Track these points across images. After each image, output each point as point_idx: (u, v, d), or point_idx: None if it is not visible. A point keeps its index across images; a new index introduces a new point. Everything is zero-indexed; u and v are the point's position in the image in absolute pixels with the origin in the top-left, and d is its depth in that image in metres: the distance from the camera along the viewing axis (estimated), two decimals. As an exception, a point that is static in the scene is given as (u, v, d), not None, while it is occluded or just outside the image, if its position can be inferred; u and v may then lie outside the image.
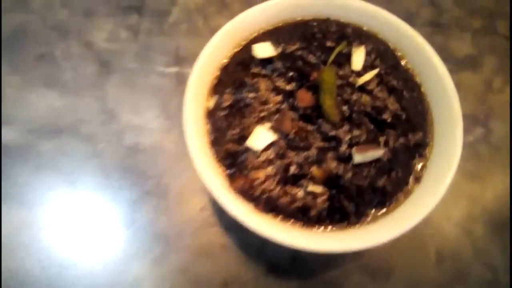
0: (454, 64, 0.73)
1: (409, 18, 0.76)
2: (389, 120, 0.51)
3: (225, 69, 0.53)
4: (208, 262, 0.60)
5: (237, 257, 0.60)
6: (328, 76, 0.49)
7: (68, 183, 0.63)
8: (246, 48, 0.54)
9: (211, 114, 0.51)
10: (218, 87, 0.52)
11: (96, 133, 0.65)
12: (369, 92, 0.52)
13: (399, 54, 0.55)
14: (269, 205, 0.48)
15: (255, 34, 0.55)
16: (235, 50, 0.54)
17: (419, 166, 0.50)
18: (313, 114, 0.50)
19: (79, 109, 0.66)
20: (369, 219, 0.48)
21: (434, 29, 0.75)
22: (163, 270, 0.60)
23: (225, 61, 0.54)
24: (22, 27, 0.71)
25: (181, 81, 0.68)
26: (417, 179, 0.50)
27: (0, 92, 0.66)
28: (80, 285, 0.58)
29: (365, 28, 0.56)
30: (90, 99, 0.67)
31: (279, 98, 0.51)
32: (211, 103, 0.52)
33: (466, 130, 0.71)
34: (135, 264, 0.60)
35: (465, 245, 0.63)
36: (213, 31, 0.51)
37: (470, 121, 0.69)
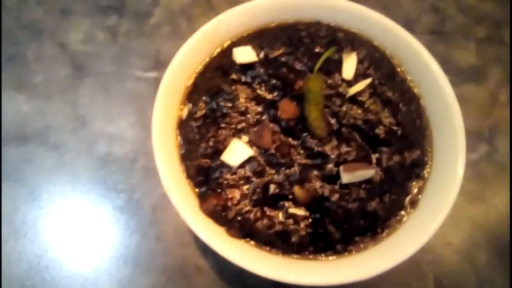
0: (457, 75, 0.67)
1: (409, 24, 0.71)
2: (382, 136, 0.45)
3: (201, 75, 0.48)
4: (181, 286, 0.54)
5: (214, 282, 0.55)
6: (314, 85, 0.44)
7: (32, 196, 0.57)
8: (226, 52, 0.49)
9: (183, 125, 0.46)
10: (193, 95, 0.47)
11: (65, 141, 0.60)
12: (361, 104, 0.46)
13: (396, 62, 0.49)
14: (244, 229, 0.42)
15: (237, 37, 0.50)
16: (214, 54, 0.49)
17: (416, 189, 0.45)
18: (297, 127, 0.45)
19: (49, 115, 0.61)
20: (357, 247, 0.43)
21: (436, 37, 0.70)
22: (132, 294, 0.54)
23: (202, 65, 0.48)
24: (-7, 25, 0.66)
25: (160, 87, 0.62)
26: (413, 203, 0.44)
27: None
28: (38, 309, 0.53)
29: (359, 34, 0.51)
30: (61, 104, 0.62)
31: (259, 108, 0.46)
32: (185, 112, 0.46)
33: (469, 148, 0.65)
34: (101, 287, 0.54)
35: (467, 273, 0.57)
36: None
37: (474, 137, 0.63)
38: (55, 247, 0.55)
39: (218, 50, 0.49)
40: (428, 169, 0.45)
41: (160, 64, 0.64)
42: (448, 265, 0.57)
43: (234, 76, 0.47)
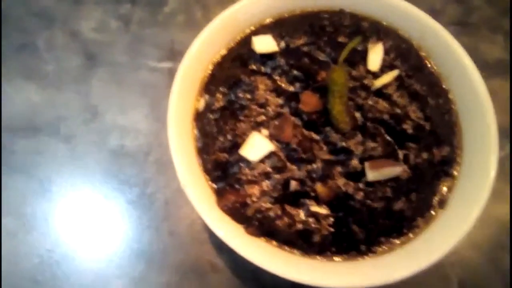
0: (483, 69, 0.63)
1: (433, 16, 0.67)
2: (410, 131, 0.43)
3: (219, 65, 0.46)
4: (195, 284, 0.53)
5: (229, 280, 0.53)
6: (338, 77, 0.41)
7: (43, 189, 0.56)
8: (245, 41, 0.46)
9: (200, 117, 0.44)
10: (210, 86, 0.45)
11: (76, 133, 0.58)
12: (387, 97, 0.44)
13: (423, 54, 0.47)
14: (263, 228, 0.40)
15: (256, 26, 0.47)
16: (232, 43, 0.47)
17: (445, 187, 0.42)
18: (320, 120, 0.42)
19: (60, 105, 0.59)
20: (382, 249, 0.41)
21: (461, 29, 0.67)
22: (144, 291, 0.52)
23: (220, 55, 0.46)
24: (3, 13, 0.64)
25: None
26: (442, 203, 0.42)
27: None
28: (48, 305, 0.52)
29: (384, 23, 0.48)
30: (73, 95, 0.60)
31: (280, 100, 0.43)
32: (201, 103, 0.44)
33: (496, 145, 0.63)
34: (113, 284, 0.52)
35: (492, 276, 0.54)
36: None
37: (500, 134, 0.60)
38: (66, 242, 0.54)
39: (237, 39, 0.47)
40: (458, 168, 0.43)
41: (175, 54, 0.62)
42: (473, 267, 0.55)
43: (253, 67, 0.45)
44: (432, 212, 0.41)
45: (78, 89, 0.60)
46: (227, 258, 0.53)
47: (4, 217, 0.55)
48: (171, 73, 0.61)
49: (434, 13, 0.69)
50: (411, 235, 0.41)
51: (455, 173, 0.43)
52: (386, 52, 0.46)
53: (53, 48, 0.62)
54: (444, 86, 0.46)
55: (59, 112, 0.59)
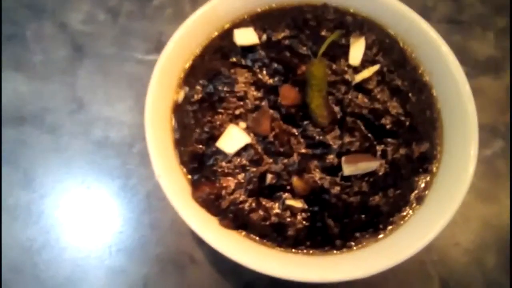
0: (474, 67, 0.64)
1: (425, 12, 0.66)
2: (389, 127, 0.42)
3: (200, 57, 0.46)
4: (175, 277, 0.53)
5: (209, 274, 0.53)
6: (317, 70, 0.41)
7: (27, 179, 0.56)
8: (227, 34, 0.46)
9: (178, 109, 0.44)
10: (190, 78, 0.45)
11: (62, 124, 0.58)
12: (367, 92, 0.43)
13: (407, 49, 0.46)
14: (238, 220, 0.40)
15: (238, 19, 0.47)
16: (214, 35, 0.46)
17: (422, 184, 0.42)
18: (298, 114, 0.42)
19: (46, 96, 0.59)
20: (357, 243, 0.40)
21: (453, 27, 0.66)
22: (123, 284, 0.52)
23: (201, 48, 0.46)
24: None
25: (161, 70, 0.60)
26: (420, 199, 0.42)
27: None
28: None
29: (368, 17, 0.47)
30: (59, 86, 0.60)
31: (259, 93, 0.43)
32: (181, 96, 0.44)
33: (483, 143, 0.62)
34: (91, 276, 0.52)
35: (474, 276, 0.54)
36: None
37: (489, 132, 0.60)
38: (47, 231, 0.54)
39: (219, 31, 0.46)
40: (437, 164, 0.43)
41: (162, 47, 0.61)
42: (455, 266, 0.54)
43: (234, 59, 0.45)
44: (409, 208, 0.41)
45: (64, 80, 0.60)
46: (207, 252, 0.53)
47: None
48: (158, 66, 0.61)
49: (426, 10, 0.69)
50: (387, 230, 0.40)
51: (434, 169, 0.42)
52: (369, 47, 0.45)
53: (41, 40, 0.62)
54: (426, 82, 0.45)
55: (45, 103, 0.59)
